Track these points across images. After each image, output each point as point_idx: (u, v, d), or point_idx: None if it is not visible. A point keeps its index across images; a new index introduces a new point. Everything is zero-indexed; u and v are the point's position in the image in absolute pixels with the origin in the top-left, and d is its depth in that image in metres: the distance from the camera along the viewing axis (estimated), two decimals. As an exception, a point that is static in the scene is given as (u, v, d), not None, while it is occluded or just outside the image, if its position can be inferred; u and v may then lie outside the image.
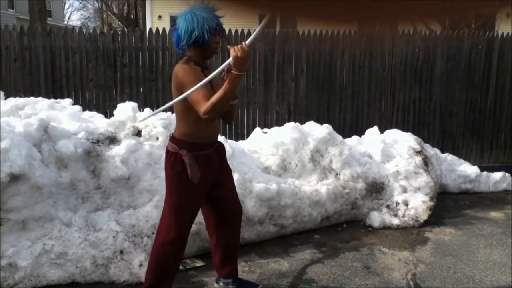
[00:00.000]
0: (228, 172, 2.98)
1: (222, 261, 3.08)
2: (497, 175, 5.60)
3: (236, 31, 5.88)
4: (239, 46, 2.45)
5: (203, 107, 2.48)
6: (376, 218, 4.36)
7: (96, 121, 4.02)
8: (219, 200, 2.94)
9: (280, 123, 5.38)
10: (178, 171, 2.65)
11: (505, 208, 4.97)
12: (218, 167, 2.85)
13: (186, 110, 2.61)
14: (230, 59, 2.45)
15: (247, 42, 2.45)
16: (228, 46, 2.53)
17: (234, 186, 3.03)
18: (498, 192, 5.51)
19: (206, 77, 2.59)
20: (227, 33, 5.81)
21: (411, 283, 3.30)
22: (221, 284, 3.15)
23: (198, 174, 2.65)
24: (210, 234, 3.08)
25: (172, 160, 2.67)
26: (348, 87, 6.34)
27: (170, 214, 2.72)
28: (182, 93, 2.53)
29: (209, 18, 2.57)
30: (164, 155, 2.85)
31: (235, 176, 3.76)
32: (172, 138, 2.72)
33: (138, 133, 3.83)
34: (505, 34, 6.62)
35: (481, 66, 6.59)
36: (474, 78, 6.60)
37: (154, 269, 2.77)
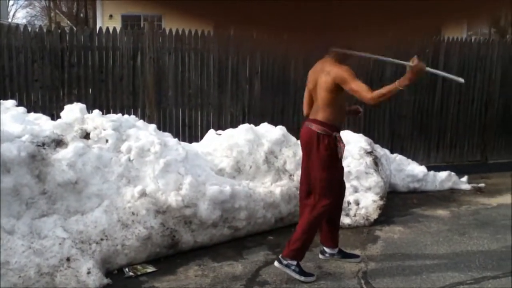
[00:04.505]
0: None
1: (329, 231, 3.58)
2: (443, 174, 5.83)
3: (190, 31, 5.81)
4: (422, 67, 2.93)
5: (369, 94, 3.07)
6: (329, 218, 4.42)
7: (42, 123, 3.86)
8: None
9: (234, 125, 5.37)
10: (332, 151, 3.23)
11: (451, 206, 5.18)
12: None
13: (334, 99, 3.22)
14: (410, 64, 2.94)
15: (428, 69, 3.07)
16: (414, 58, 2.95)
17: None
18: (444, 190, 5.73)
19: None
20: (180, 33, 5.75)
21: (362, 281, 3.37)
22: (326, 255, 3.65)
23: (343, 152, 3.32)
24: None
25: (327, 141, 3.22)
26: (302, 89, 6.38)
27: (324, 187, 3.26)
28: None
29: None
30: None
31: (188, 179, 3.71)
32: (320, 122, 3.24)
33: (86, 136, 3.71)
34: (450, 39, 6.91)
35: (428, 69, 6.83)
36: (422, 81, 6.84)
37: (308, 231, 3.27)
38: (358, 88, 3.13)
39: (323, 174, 3.27)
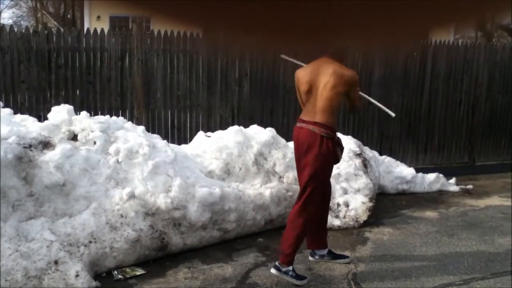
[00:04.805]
0: None
1: (318, 233, 3.59)
2: (432, 176, 5.87)
3: (179, 33, 5.79)
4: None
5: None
6: (319, 220, 4.42)
7: (29, 125, 3.81)
8: None
9: (223, 127, 5.34)
10: (333, 154, 3.27)
11: (439, 208, 5.21)
12: None
13: (340, 101, 3.35)
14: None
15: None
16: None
17: None
18: (432, 192, 5.77)
19: None
20: (168, 34, 5.72)
21: (352, 283, 3.37)
22: (316, 257, 3.66)
23: (341, 156, 3.41)
24: None
25: (331, 144, 3.23)
26: (291, 91, 6.40)
27: (317, 188, 3.26)
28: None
29: None
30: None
31: (177, 181, 3.69)
32: (322, 125, 3.23)
33: (74, 138, 3.67)
34: (437, 42, 6.98)
35: (416, 72, 6.89)
36: (410, 84, 6.89)
37: (300, 233, 3.29)
38: (358, 94, 3.40)
39: (320, 176, 3.27)
